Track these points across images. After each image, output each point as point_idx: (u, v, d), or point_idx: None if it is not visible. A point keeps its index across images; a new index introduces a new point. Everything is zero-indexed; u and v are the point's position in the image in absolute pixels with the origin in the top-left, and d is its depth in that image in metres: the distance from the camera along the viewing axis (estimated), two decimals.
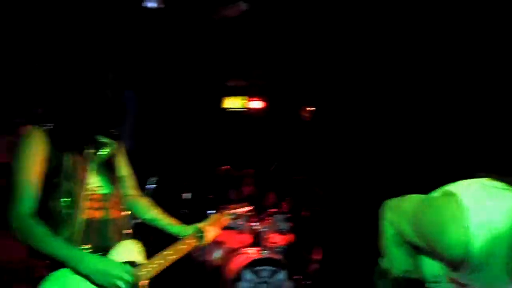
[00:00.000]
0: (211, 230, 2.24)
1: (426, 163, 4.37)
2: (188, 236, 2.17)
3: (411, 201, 1.58)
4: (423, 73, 4.52)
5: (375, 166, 5.39)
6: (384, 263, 1.71)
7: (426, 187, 1.60)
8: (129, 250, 1.95)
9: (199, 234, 2.20)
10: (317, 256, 4.96)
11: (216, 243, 4.82)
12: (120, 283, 1.76)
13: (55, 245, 1.72)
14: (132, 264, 1.90)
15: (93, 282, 1.75)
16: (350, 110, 5.80)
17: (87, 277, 1.73)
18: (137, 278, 1.86)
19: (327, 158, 5.86)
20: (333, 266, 5.09)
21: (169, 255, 2.05)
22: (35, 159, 1.83)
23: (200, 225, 2.23)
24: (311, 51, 5.11)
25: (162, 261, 2.01)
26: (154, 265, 1.97)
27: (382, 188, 4.47)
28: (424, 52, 4.37)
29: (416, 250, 1.58)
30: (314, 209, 5.03)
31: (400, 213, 1.60)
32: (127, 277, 1.78)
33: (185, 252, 2.12)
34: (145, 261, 1.98)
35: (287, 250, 4.96)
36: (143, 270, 1.93)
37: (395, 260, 1.64)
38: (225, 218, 2.38)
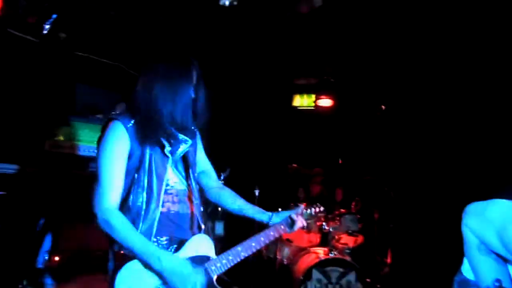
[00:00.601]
0: (300, 220, 2.22)
1: (509, 162, 4.11)
2: (276, 225, 2.17)
3: (498, 208, 1.44)
4: (502, 68, 4.25)
5: (451, 166, 5.15)
6: (467, 273, 1.60)
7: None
8: (202, 245, 2.01)
9: (289, 223, 2.19)
10: (387, 259, 4.84)
11: (285, 241, 4.84)
12: (190, 286, 1.81)
13: (136, 241, 1.80)
14: (206, 258, 1.97)
15: (165, 280, 1.81)
16: (423, 107, 5.57)
17: (160, 275, 1.80)
18: (209, 274, 1.92)
19: (398, 158, 5.67)
20: (404, 270, 4.94)
21: (239, 252, 2.05)
22: (119, 154, 1.90)
23: (290, 214, 2.22)
24: (382, 47, 4.95)
25: (232, 257, 2.03)
26: (225, 261, 2.00)
27: (459, 190, 4.26)
28: (504, 48, 4.11)
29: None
30: (385, 210, 4.89)
31: (484, 221, 1.46)
32: (198, 284, 1.84)
33: (265, 243, 2.12)
34: (217, 256, 2.02)
35: (356, 251, 4.88)
36: (215, 265, 1.97)
37: (483, 269, 1.50)
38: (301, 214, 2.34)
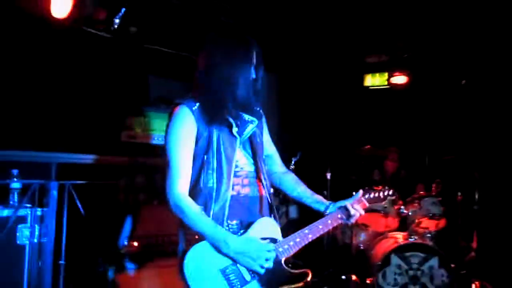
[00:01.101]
0: (356, 210, 2.13)
1: None
2: (333, 214, 2.12)
3: None
4: None
5: None
6: None
7: None
8: (269, 227, 2.00)
9: (345, 213, 2.13)
10: (472, 244, 4.53)
11: (361, 226, 4.71)
12: (258, 267, 1.84)
13: (205, 225, 1.84)
14: (272, 240, 1.96)
15: (234, 261, 1.85)
16: (508, 80, 5.12)
17: (229, 256, 1.83)
18: (277, 256, 1.91)
19: (481, 136, 5.27)
20: (491, 255, 4.61)
21: (308, 234, 2.04)
22: (187, 137, 1.93)
23: (345, 203, 2.14)
24: (457, 15, 4.58)
25: (299, 240, 2.01)
26: (292, 243, 1.99)
27: None
28: None
29: None
30: (469, 192, 4.57)
31: None
32: (265, 261, 1.85)
33: (323, 231, 2.09)
34: (284, 239, 2.00)
35: (439, 236, 4.62)
36: (283, 247, 1.96)
37: None
38: (367, 200, 2.24)
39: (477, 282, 4.36)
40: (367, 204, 2.21)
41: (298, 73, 6.30)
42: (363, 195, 2.22)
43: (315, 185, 4.77)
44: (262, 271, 1.86)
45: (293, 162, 4.65)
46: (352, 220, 2.14)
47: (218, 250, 1.84)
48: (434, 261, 4.04)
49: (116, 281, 3.06)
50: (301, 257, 4.59)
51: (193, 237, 1.89)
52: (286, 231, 2.06)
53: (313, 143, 5.47)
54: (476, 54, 5.18)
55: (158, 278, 3.04)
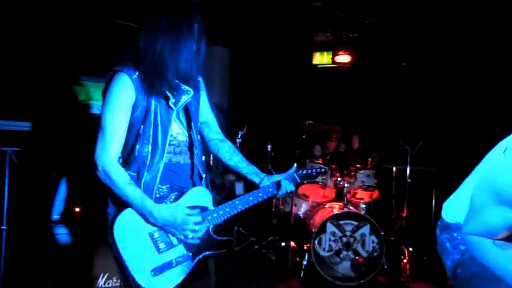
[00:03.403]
0: (287, 185, 2.26)
1: None
2: (264, 187, 2.22)
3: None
4: None
5: (467, 122, 5.09)
6: (447, 217, 1.63)
7: None
8: (200, 196, 2.08)
9: (276, 187, 2.24)
10: (402, 214, 4.89)
11: (301, 197, 4.95)
12: (185, 234, 1.93)
13: (132, 195, 1.89)
14: (203, 209, 2.05)
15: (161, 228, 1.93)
16: (442, 61, 5.46)
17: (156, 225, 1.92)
18: (205, 223, 2.01)
19: (416, 114, 5.62)
20: (419, 224, 4.99)
21: (238, 205, 2.13)
22: (123, 104, 1.93)
23: (278, 178, 2.26)
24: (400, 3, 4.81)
25: (229, 209, 2.11)
26: (222, 212, 2.08)
27: (478, 145, 4.21)
28: None
29: None
30: (401, 165, 4.91)
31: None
32: (192, 230, 1.94)
33: (253, 203, 2.17)
34: (215, 207, 2.09)
35: (372, 206, 4.96)
36: (212, 215, 2.06)
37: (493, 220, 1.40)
38: (299, 176, 2.35)
39: (404, 248, 4.74)
40: (299, 180, 2.33)
41: (251, 49, 6.40)
42: (296, 171, 2.33)
43: (259, 158, 4.98)
44: (187, 240, 1.95)
45: (239, 135, 4.81)
46: (281, 194, 2.25)
47: (147, 220, 1.91)
48: (366, 229, 4.34)
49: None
50: (247, 226, 4.84)
51: (123, 203, 1.92)
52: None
53: (260, 118, 5.64)
54: (415, 39, 5.46)
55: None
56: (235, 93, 6.46)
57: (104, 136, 1.91)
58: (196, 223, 1.97)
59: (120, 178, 1.89)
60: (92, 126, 2.00)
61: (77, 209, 3.17)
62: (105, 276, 2.73)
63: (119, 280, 2.73)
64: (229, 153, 2.29)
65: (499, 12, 4.39)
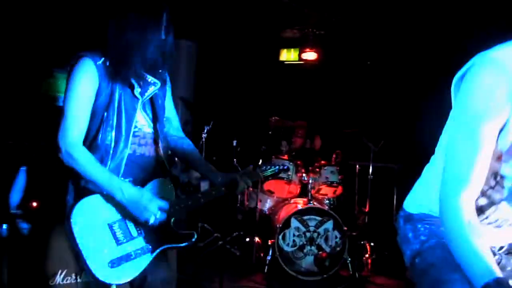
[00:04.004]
0: (243, 182, 2.25)
1: None
2: (221, 184, 2.23)
3: None
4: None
5: (431, 121, 5.21)
6: (409, 208, 1.64)
7: None
8: (164, 188, 2.08)
9: (232, 184, 2.24)
10: (364, 209, 4.98)
11: (267, 192, 4.97)
12: (149, 215, 1.92)
13: (98, 172, 1.89)
14: (165, 200, 2.03)
15: (126, 211, 1.92)
16: (406, 64, 5.59)
17: (121, 204, 1.90)
18: (167, 214, 2.00)
19: (380, 112, 5.74)
20: (380, 219, 5.10)
21: (200, 198, 2.15)
22: (86, 89, 1.92)
23: (234, 175, 2.26)
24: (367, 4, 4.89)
25: (191, 202, 2.12)
26: (183, 205, 2.09)
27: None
28: None
29: None
30: (365, 162, 4.99)
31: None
32: (156, 211, 1.93)
33: (213, 198, 2.19)
34: (177, 199, 2.09)
35: (335, 201, 5.02)
36: (174, 208, 2.05)
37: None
38: (258, 173, 2.40)
39: (366, 243, 4.84)
40: (261, 177, 2.39)
41: (218, 43, 6.36)
42: (260, 167, 2.39)
43: (225, 153, 4.96)
44: (150, 221, 1.92)
45: (205, 130, 4.78)
46: (240, 191, 2.26)
47: (110, 200, 1.89)
48: (329, 224, 4.40)
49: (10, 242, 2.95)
50: (212, 222, 4.82)
51: (84, 189, 1.92)
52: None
53: (226, 113, 5.62)
54: (380, 39, 5.57)
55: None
56: (200, 87, 6.42)
57: (66, 119, 1.90)
58: (160, 208, 1.96)
59: (84, 157, 1.88)
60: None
61: (35, 204, 3.07)
62: (63, 273, 2.65)
63: (77, 277, 2.66)
64: (188, 151, 2.30)
65: (462, 13, 4.51)
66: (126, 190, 1.89)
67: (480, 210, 1.42)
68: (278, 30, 6.17)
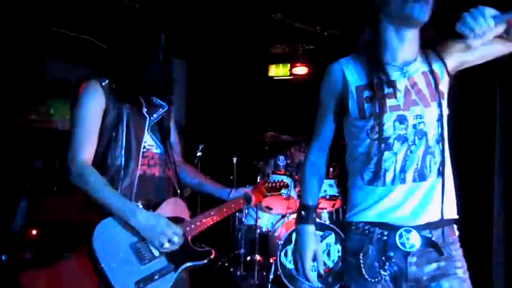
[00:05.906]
0: (255, 197, 2.35)
1: None
2: (233, 200, 2.27)
3: None
4: None
5: None
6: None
7: None
8: (177, 207, 2.07)
9: (245, 199, 2.30)
10: None
11: (265, 209, 4.92)
12: (165, 241, 1.88)
13: (111, 196, 1.84)
14: (180, 220, 2.03)
15: (141, 236, 1.87)
16: None
17: (136, 230, 1.85)
18: (182, 235, 1.98)
19: None
20: None
21: (213, 215, 2.17)
22: (94, 110, 1.91)
23: (246, 190, 2.34)
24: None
25: (205, 220, 2.12)
26: (199, 223, 2.09)
27: None
28: None
29: None
30: None
31: None
32: (173, 236, 1.90)
33: (227, 214, 2.24)
34: (190, 219, 2.09)
35: (335, 215, 4.99)
36: (190, 226, 2.05)
37: None
38: (264, 189, 2.48)
39: None
40: (266, 193, 2.46)
41: (207, 61, 6.36)
42: (263, 184, 2.46)
43: (222, 171, 4.90)
44: (165, 248, 1.89)
45: (200, 149, 4.73)
46: (252, 205, 2.35)
47: (126, 223, 1.84)
48: (331, 238, 4.35)
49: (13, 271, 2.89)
50: (210, 240, 4.73)
51: (100, 214, 1.86)
52: None
53: (220, 130, 5.58)
54: None
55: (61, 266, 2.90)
56: (191, 106, 6.38)
57: (75, 140, 1.88)
58: (175, 234, 1.93)
59: (96, 179, 1.84)
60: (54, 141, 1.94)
61: (34, 232, 2.99)
62: None
63: None
64: (191, 173, 2.32)
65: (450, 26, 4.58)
66: (140, 214, 1.85)
67: None
68: (267, 46, 6.19)
